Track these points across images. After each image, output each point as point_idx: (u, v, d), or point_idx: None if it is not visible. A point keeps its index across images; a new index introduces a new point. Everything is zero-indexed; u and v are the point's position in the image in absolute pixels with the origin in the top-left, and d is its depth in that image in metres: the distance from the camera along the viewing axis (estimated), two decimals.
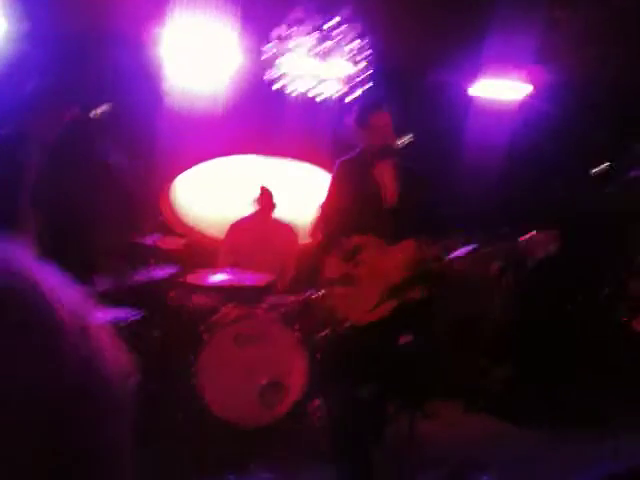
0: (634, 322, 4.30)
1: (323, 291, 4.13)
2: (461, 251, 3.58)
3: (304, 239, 5.66)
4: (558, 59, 5.98)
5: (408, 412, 3.54)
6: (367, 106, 3.79)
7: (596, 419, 4.87)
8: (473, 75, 6.60)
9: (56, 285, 0.57)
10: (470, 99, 6.76)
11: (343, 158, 3.86)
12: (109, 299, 4.12)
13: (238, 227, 5.63)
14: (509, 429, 4.95)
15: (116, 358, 0.59)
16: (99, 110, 5.66)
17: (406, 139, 5.78)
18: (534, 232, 3.49)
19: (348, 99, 4.81)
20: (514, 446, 4.55)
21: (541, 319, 5.88)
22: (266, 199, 5.63)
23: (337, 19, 4.77)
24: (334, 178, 3.86)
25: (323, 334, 4.90)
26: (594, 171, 6.92)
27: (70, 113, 3.96)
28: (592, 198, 6.46)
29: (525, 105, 6.78)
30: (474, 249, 3.60)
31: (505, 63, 6.22)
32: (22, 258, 0.57)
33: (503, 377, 5.42)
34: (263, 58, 4.93)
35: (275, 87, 4.87)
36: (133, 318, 3.73)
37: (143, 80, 5.71)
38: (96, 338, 0.58)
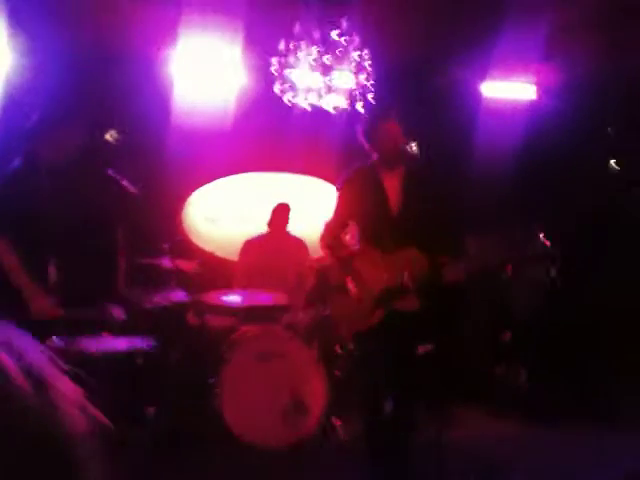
0: None
1: (329, 302, 4.16)
2: (459, 263, 3.54)
3: (315, 254, 5.66)
4: (567, 57, 5.94)
5: (434, 420, 3.51)
6: (376, 116, 3.79)
7: (622, 418, 4.82)
8: (483, 75, 6.58)
9: (11, 343, 0.58)
10: (481, 99, 6.74)
11: (352, 169, 3.86)
12: (126, 326, 4.12)
13: (253, 244, 5.63)
14: (535, 431, 4.90)
15: (79, 411, 0.60)
16: (111, 133, 5.70)
17: (415, 146, 5.76)
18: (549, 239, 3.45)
19: (358, 109, 4.81)
20: (541, 447, 4.51)
21: (563, 320, 5.83)
22: (282, 215, 5.63)
23: (339, 30, 4.76)
24: (342, 188, 3.86)
25: (338, 349, 4.91)
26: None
27: (80, 137, 3.97)
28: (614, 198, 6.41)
29: (536, 104, 6.74)
30: (482, 257, 3.59)
31: (514, 62, 6.19)
32: None
33: (525, 378, 5.37)
34: (270, 73, 4.94)
35: (283, 101, 4.87)
36: (149, 345, 3.73)
37: (154, 99, 5.75)
38: (56, 393, 0.58)
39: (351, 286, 3.67)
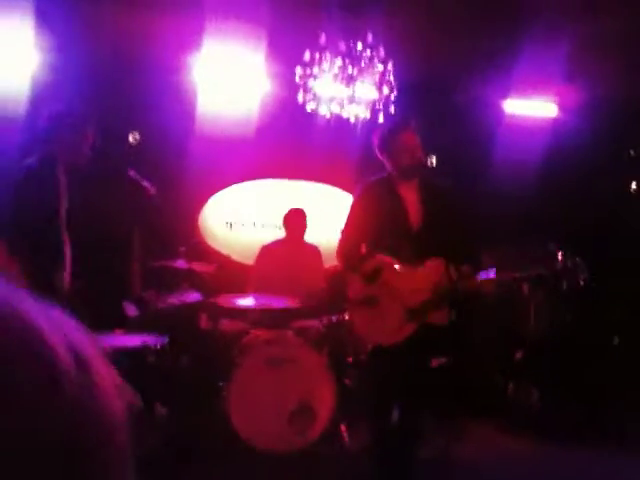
0: None
1: (347, 314, 4.11)
2: (490, 273, 3.54)
3: (330, 262, 5.68)
4: (589, 76, 5.93)
5: (443, 433, 3.49)
6: (395, 127, 3.76)
7: (632, 439, 4.77)
8: (505, 92, 6.59)
9: (49, 318, 0.58)
10: (502, 115, 6.75)
11: (367, 180, 3.85)
12: (138, 324, 4.16)
13: (269, 250, 5.65)
14: (544, 449, 4.86)
15: (115, 389, 0.60)
16: (132, 135, 5.77)
17: (433, 158, 5.77)
18: (566, 261, 3.42)
19: (379, 120, 4.83)
20: (549, 467, 4.47)
21: (573, 336, 5.79)
22: (299, 221, 5.65)
23: (363, 42, 4.79)
24: (357, 200, 3.84)
25: (350, 359, 4.90)
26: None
27: (95, 135, 3.98)
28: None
29: (557, 122, 6.74)
30: (504, 271, 3.55)
31: (536, 80, 6.20)
32: (9, 294, 0.58)
33: (537, 396, 5.33)
34: (292, 82, 4.98)
35: (304, 110, 4.91)
36: (161, 343, 3.76)
37: (175, 106, 5.81)
38: (94, 369, 0.58)
39: (380, 298, 3.63)
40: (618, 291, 5.95)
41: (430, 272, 3.56)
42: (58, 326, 0.58)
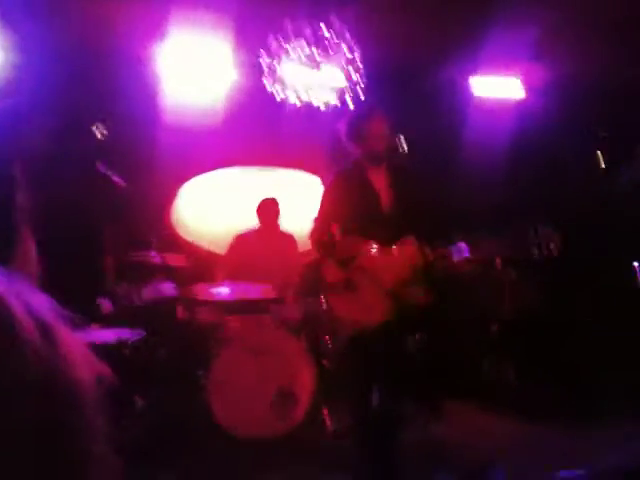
0: None
1: (324, 299, 4.13)
2: (463, 251, 3.57)
3: (305, 249, 5.68)
4: (556, 56, 5.98)
5: (423, 414, 3.52)
6: (363, 113, 3.76)
7: (608, 415, 4.86)
8: (472, 73, 6.62)
9: (13, 290, 0.57)
10: (470, 97, 6.78)
11: (337, 170, 3.85)
12: (114, 319, 4.13)
13: (244, 239, 5.64)
14: (523, 426, 4.93)
15: (86, 362, 0.59)
16: (99, 127, 5.70)
17: (402, 142, 5.78)
18: (535, 230, 3.48)
19: (348, 107, 4.82)
20: (528, 443, 4.54)
21: (548, 315, 5.87)
22: (272, 210, 5.64)
23: (330, 27, 4.77)
24: (328, 189, 3.84)
25: (328, 343, 4.93)
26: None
27: (56, 127, 3.90)
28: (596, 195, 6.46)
29: (524, 102, 6.79)
30: (477, 248, 3.59)
31: (503, 60, 6.23)
32: None
33: (513, 375, 5.40)
34: (260, 70, 4.95)
35: (273, 98, 4.88)
36: (137, 338, 3.73)
37: (144, 95, 5.75)
38: (60, 340, 0.57)
39: (358, 282, 3.66)
40: (590, 269, 6.03)
41: (405, 252, 3.59)
42: (23, 298, 0.57)
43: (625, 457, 2.37)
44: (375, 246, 3.64)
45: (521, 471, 3.76)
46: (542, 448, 4.34)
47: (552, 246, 3.43)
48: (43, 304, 0.59)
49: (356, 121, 3.71)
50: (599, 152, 6.98)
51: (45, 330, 0.56)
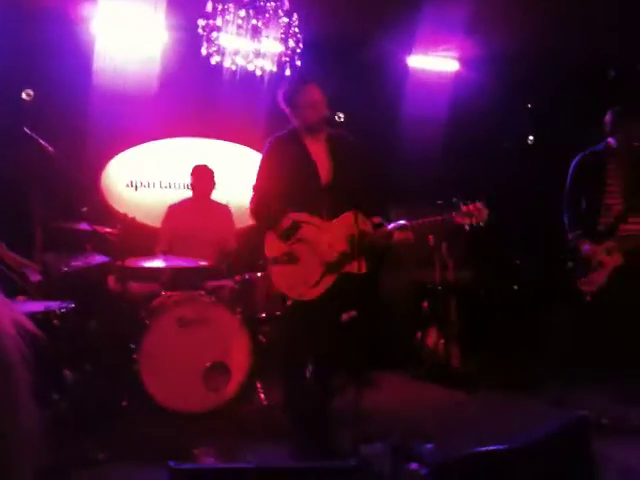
0: (580, 282, 4.44)
1: (263, 272, 4.11)
2: (397, 224, 3.62)
3: (241, 221, 5.62)
4: (489, 30, 6.05)
5: (354, 384, 3.57)
6: (295, 83, 3.74)
7: (540, 386, 5.02)
8: (409, 47, 6.64)
9: None
10: (407, 71, 6.81)
11: (274, 135, 3.82)
12: (43, 289, 4.00)
13: (177, 209, 5.53)
14: (455, 397, 5.06)
15: (10, 324, 0.57)
16: (27, 91, 5.45)
17: (340, 114, 5.76)
18: (464, 204, 3.56)
19: (285, 73, 4.75)
20: (460, 412, 4.65)
21: (479, 287, 6.01)
22: (205, 177, 5.55)
23: None
24: (265, 156, 3.81)
25: (265, 315, 4.92)
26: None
27: None
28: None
29: (459, 77, 6.86)
30: (410, 221, 3.64)
31: (439, 36, 6.27)
32: None
33: (445, 346, 5.52)
34: (195, 35, 4.81)
35: (209, 64, 4.75)
36: (66, 308, 3.62)
37: (75, 59, 5.54)
38: None
39: (298, 254, 3.65)
40: (518, 240, 6.19)
41: (343, 224, 3.61)
42: None
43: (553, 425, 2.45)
44: (312, 220, 3.64)
45: (451, 443, 3.84)
46: (474, 420, 4.45)
47: (480, 218, 3.53)
48: None
49: (290, 89, 3.69)
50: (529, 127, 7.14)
51: None
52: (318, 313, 3.61)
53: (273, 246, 3.72)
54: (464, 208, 3.53)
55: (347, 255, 3.62)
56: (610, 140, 4.54)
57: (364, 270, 3.64)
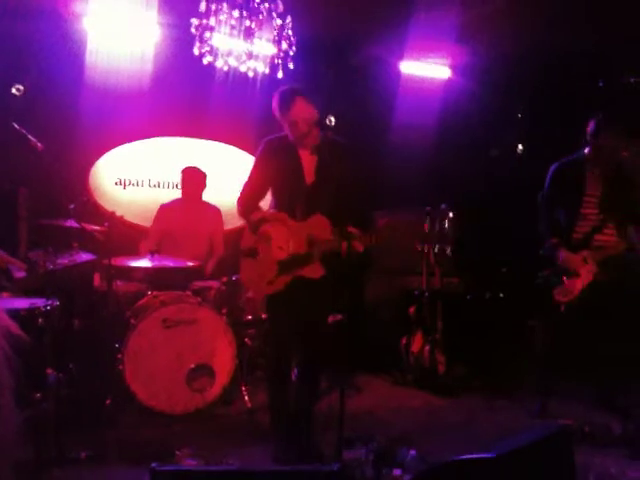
0: (555, 292, 4.46)
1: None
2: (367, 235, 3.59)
3: (231, 222, 5.61)
4: (480, 39, 6.09)
5: (338, 387, 3.56)
6: (284, 94, 3.69)
7: (521, 392, 5.04)
8: (401, 53, 6.66)
9: None
10: (398, 76, 6.83)
11: (269, 137, 3.83)
12: (28, 287, 3.96)
13: (168, 209, 5.52)
14: (440, 402, 5.07)
15: None
16: (17, 86, 5.42)
17: (331, 118, 5.76)
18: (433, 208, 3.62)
19: (278, 75, 4.74)
20: (444, 418, 4.66)
21: (466, 294, 6.02)
22: (195, 179, 5.54)
23: None
24: (259, 156, 3.82)
25: (250, 317, 4.91)
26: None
27: None
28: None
29: (451, 84, 6.89)
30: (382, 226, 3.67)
31: (431, 42, 6.29)
32: None
33: (430, 352, 5.52)
34: (188, 35, 4.80)
35: (201, 64, 4.74)
36: (51, 305, 3.59)
37: (66, 56, 5.51)
38: None
39: (259, 250, 3.67)
40: (505, 248, 6.21)
41: (310, 226, 3.60)
42: None
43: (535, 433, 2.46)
44: (283, 217, 3.64)
45: (434, 450, 3.85)
46: (457, 426, 4.46)
47: (445, 224, 3.58)
48: None
49: (279, 101, 3.67)
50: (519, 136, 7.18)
51: None
52: (283, 312, 3.65)
53: (246, 239, 3.77)
54: (432, 215, 3.61)
55: (300, 257, 3.61)
56: (589, 149, 4.54)
57: (318, 275, 3.62)
